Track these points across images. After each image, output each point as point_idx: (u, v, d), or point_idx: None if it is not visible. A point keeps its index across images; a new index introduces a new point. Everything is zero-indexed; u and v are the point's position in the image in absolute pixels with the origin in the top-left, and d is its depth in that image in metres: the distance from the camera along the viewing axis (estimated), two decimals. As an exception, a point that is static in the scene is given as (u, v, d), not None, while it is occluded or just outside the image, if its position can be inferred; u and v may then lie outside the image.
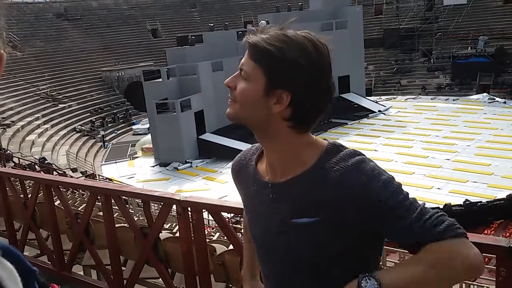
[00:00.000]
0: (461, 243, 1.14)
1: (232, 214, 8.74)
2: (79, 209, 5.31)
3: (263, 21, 36.37)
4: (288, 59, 1.14)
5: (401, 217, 1.15)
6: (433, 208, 1.20)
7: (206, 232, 3.48)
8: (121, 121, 39.75)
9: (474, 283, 7.93)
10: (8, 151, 22.00)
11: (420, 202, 1.19)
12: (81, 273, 4.50)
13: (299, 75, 1.15)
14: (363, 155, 1.21)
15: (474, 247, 1.16)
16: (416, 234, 1.14)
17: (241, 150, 1.45)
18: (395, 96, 42.33)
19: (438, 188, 21.30)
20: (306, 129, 1.22)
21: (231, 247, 3.39)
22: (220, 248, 3.55)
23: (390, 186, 1.16)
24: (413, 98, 40.96)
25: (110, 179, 23.20)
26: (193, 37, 35.47)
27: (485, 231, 15.51)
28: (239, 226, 9.61)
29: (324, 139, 1.28)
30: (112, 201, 3.73)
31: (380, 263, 1.37)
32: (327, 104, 1.21)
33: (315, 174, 1.20)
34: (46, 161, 22.73)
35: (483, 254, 1.46)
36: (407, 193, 1.18)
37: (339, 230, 1.19)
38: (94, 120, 37.14)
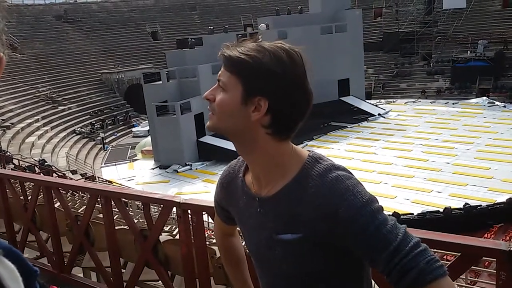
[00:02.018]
0: (446, 286, 1.10)
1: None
2: (79, 211, 5.31)
3: (263, 24, 36.47)
4: (263, 67, 1.16)
5: (376, 247, 1.12)
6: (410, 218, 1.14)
7: (206, 235, 3.47)
8: (121, 123, 39.74)
9: (474, 287, 7.93)
10: (8, 153, 22.00)
11: (400, 228, 1.14)
12: (81, 275, 4.50)
13: (274, 82, 1.16)
14: (342, 170, 1.20)
15: (453, 285, 1.15)
16: (394, 271, 1.11)
17: None
18: (394, 100, 42.40)
19: (438, 192, 21.28)
20: (285, 137, 1.23)
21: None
22: (220, 251, 3.54)
23: (363, 209, 1.13)
24: (412, 102, 40.99)
25: (110, 181, 23.18)
26: (193, 39, 35.49)
27: (485, 235, 15.51)
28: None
29: (308, 150, 1.28)
30: (112, 203, 3.74)
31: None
32: (306, 111, 1.21)
33: (293, 190, 1.21)
34: (46, 163, 22.72)
35: (483, 258, 1.47)
36: (385, 219, 1.14)
37: (321, 247, 1.20)
38: (94, 122, 37.13)
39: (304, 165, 1.22)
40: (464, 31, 46.79)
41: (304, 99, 1.20)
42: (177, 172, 28.15)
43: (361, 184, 1.18)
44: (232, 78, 1.20)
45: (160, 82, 30.61)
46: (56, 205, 4.40)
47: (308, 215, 1.18)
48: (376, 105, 38.32)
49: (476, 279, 9.18)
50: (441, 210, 18.07)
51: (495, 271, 2.05)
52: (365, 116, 35.61)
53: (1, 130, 28.00)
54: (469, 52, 44.47)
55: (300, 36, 30.90)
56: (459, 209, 18.10)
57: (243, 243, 1.84)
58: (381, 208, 1.16)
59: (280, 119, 1.19)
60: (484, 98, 38.53)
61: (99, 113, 39.23)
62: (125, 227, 3.96)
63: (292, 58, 1.18)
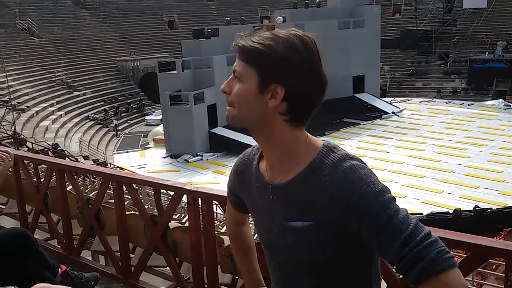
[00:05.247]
0: (455, 278, 1.10)
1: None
2: (90, 195, 5.35)
3: (279, 17, 36.31)
4: (277, 54, 1.18)
5: (387, 236, 1.12)
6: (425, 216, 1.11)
7: (215, 225, 3.49)
8: (134, 111, 39.98)
9: (481, 289, 7.87)
10: (22, 136, 22.26)
11: (412, 219, 1.14)
12: (90, 258, 4.55)
13: (290, 68, 1.18)
14: (356, 160, 1.20)
15: (462, 277, 1.12)
16: (404, 261, 1.11)
17: (251, 145, 1.47)
18: (409, 98, 42.04)
19: (449, 193, 21.14)
20: (301, 123, 1.24)
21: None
22: (228, 240, 3.56)
23: (376, 199, 1.14)
24: (427, 101, 40.63)
25: (122, 168, 23.33)
26: (209, 30, 35.51)
27: (494, 238, 15.38)
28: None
29: (323, 140, 1.29)
30: (124, 188, 3.77)
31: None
32: (321, 96, 1.23)
33: (307, 178, 1.22)
34: (59, 148, 22.95)
35: (491, 260, 1.44)
36: (397, 209, 1.14)
37: (331, 235, 1.21)
38: (107, 109, 37.40)
39: (318, 153, 1.23)
40: (483, 31, 46.12)
41: (319, 84, 1.21)
42: (188, 162, 28.29)
43: (374, 174, 1.19)
44: (247, 68, 1.21)
45: (175, 71, 30.69)
46: (68, 188, 4.45)
47: (321, 203, 1.19)
48: (390, 103, 38.07)
49: (483, 282, 9.11)
50: (451, 211, 17.94)
51: (503, 274, 2.04)
52: (378, 113, 35.40)
53: (16, 113, 28.30)
54: (487, 53, 43.86)
55: (317, 30, 30.43)
56: (469, 211, 17.94)
57: (253, 231, 1.86)
58: (394, 199, 1.17)
59: (297, 106, 1.21)
60: (501, 100, 38.06)
61: (113, 100, 39.47)
62: (136, 212, 3.99)
63: (306, 44, 1.19)
